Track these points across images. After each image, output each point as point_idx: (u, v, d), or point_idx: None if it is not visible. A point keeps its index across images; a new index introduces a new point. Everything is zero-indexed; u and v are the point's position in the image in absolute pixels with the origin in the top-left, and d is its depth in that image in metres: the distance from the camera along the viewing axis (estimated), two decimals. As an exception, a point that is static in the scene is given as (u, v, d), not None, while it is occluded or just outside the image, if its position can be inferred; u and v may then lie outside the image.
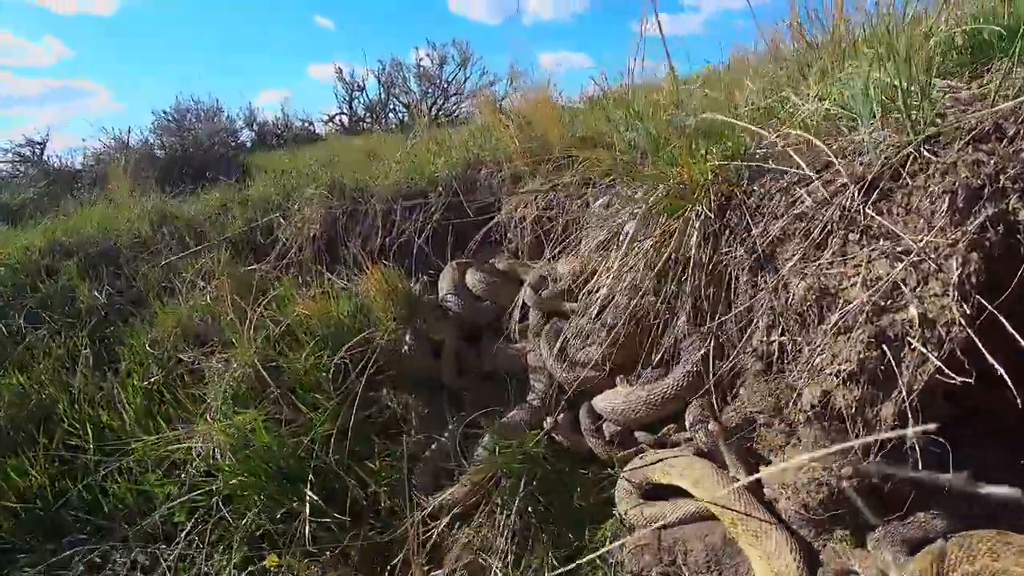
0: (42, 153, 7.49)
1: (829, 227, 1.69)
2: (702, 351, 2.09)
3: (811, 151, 1.87)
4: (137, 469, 2.37)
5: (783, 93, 2.16)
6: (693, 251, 1.92)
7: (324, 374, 2.49)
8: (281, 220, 3.74)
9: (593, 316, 2.41)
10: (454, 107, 10.34)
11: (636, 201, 2.15)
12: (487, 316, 2.80)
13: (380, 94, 10.76)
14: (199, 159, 7.03)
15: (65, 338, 3.18)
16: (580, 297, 2.54)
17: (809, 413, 1.49)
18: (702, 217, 1.87)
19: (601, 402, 2.32)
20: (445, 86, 10.62)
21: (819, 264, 1.68)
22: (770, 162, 1.91)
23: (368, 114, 10.82)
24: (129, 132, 7.58)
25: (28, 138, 7.45)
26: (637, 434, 2.31)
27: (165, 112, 8.86)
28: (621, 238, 2.27)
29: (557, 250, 2.79)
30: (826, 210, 1.70)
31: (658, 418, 2.26)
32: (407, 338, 2.63)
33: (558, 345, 2.52)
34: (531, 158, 3.21)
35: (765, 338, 1.73)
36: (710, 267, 1.93)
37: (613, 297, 2.31)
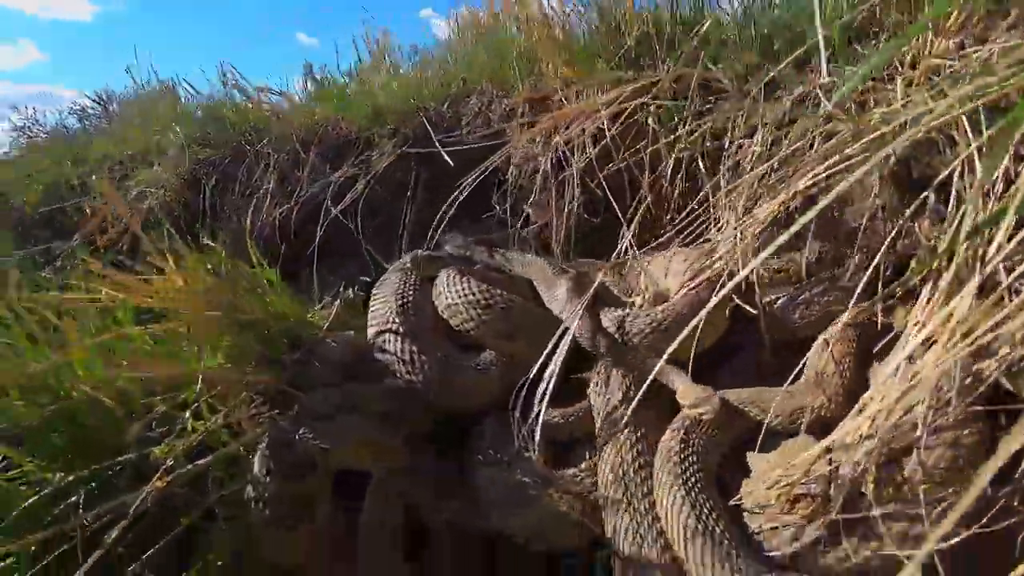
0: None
1: None
2: None
3: None
4: None
5: None
6: None
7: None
8: (102, 184, 2.02)
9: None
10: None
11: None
12: (488, 393, 1.09)
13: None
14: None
15: None
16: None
17: None
18: None
19: None
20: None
21: None
22: None
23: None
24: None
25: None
26: None
27: (97, 94, 7.05)
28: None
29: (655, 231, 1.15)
30: None
31: None
32: (256, 465, 0.93)
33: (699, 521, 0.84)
34: (578, 63, 1.56)
35: None
36: None
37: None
